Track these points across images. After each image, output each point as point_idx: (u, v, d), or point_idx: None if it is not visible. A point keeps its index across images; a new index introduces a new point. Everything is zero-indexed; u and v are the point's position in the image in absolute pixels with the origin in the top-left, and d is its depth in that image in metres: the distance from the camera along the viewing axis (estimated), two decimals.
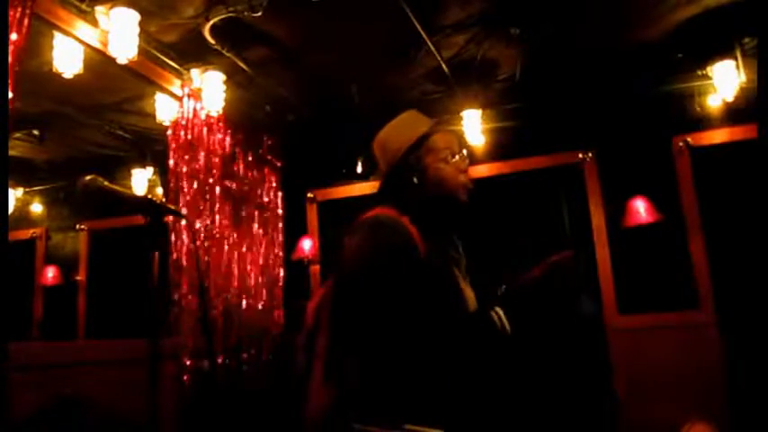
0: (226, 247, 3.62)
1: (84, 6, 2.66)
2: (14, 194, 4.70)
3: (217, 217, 3.56)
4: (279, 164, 4.35)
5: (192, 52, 3.22)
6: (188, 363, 3.12)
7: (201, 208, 3.44)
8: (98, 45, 2.71)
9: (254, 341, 3.70)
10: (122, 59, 2.65)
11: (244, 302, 3.72)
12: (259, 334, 3.77)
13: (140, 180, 4.38)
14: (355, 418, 1.35)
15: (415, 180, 1.54)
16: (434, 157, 1.56)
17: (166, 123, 3.41)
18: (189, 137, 3.42)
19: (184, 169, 3.38)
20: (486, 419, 1.43)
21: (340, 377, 1.39)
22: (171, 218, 3.02)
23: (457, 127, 3.87)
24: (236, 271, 3.69)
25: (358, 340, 1.38)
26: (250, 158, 4.02)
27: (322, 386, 1.41)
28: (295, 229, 4.43)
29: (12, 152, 4.13)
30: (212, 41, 3.07)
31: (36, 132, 4.03)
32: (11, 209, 4.57)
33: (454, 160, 1.57)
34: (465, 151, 1.60)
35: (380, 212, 1.50)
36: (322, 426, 1.40)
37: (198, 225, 3.39)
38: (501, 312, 1.37)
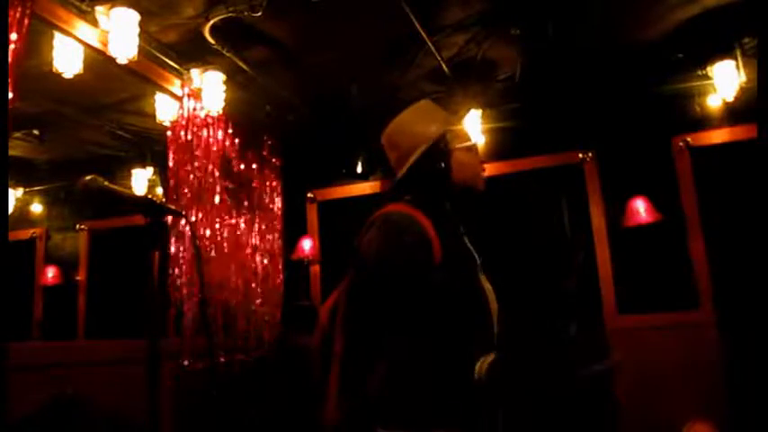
0: (225, 247, 3.62)
1: (84, 6, 2.66)
2: (14, 194, 4.70)
3: (216, 217, 3.56)
4: (279, 164, 4.35)
5: (191, 52, 3.22)
6: (188, 363, 3.12)
7: (201, 208, 3.44)
8: (98, 45, 2.71)
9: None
10: (122, 59, 2.65)
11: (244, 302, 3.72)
12: None
13: (140, 180, 4.38)
14: (378, 422, 1.33)
15: (442, 165, 1.53)
16: (460, 142, 1.57)
17: (166, 123, 3.41)
18: (189, 137, 3.42)
19: (185, 169, 3.38)
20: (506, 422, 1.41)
21: (359, 381, 1.36)
22: (171, 218, 3.02)
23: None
24: (235, 271, 3.69)
25: (377, 343, 1.36)
26: (250, 158, 4.02)
27: (340, 390, 1.37)
28: (295, 229, 4.43)
29: (12, 152, 4.13)
30: (212, 41, 3.07)
31: (36, 132, 4.02)
32: (11, 209, 4.57)
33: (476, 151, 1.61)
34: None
35: (392, 209, 1.47)
36: (341, 430, 1.37)
37: (198, 225, 3.39)
38: None
